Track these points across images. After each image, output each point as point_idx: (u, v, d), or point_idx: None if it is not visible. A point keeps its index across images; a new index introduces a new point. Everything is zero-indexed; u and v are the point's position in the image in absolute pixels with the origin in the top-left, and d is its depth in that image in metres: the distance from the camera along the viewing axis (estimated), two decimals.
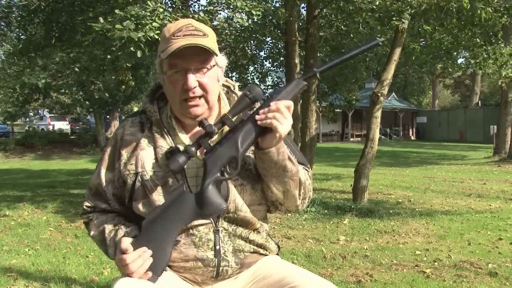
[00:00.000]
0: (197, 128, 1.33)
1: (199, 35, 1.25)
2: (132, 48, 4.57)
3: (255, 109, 1.25)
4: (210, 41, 1.27)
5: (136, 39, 4.38)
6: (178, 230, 1.24)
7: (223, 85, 1.43)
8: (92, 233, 1.39)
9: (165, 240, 1.22)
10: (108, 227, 1.35)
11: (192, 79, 1.25)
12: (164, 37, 1.28)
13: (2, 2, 8.07)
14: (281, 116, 1.19)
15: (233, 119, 1.23)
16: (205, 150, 1.24)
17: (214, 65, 1.30)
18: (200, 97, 1.28)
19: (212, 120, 1.35)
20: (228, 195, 1.28)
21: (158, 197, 1.28)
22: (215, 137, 1.26)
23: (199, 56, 1.26)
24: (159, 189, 1.28)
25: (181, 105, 1.29)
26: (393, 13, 5.64)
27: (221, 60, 1.34)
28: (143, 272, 1.20)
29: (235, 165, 1.22)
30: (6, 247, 4.60)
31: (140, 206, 1.30)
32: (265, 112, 1.20)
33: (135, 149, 1.33)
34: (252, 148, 1.28)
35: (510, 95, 15.48)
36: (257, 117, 1.21)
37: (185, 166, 1.24)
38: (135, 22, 4.43)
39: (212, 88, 1.30)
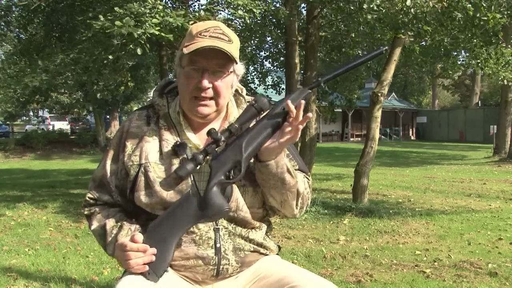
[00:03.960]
0: (203, 125, 1.36)
1: (224, 39, 1.27)
2: (132, 46, 4.58)
3: (260, 117, 1.27)
4: (233, 48, 1.28)
5: (136, 36, 4.38)
6: (182, 232, 1.25)
7: None
8: (93, 227, 1.39)
9: (168, 241, 1.23)
10: (110, 223, 1.35)
11: (207, 80, 1.27)
12: (191, 33, 1.30)
13: (2, 2, 8.07)
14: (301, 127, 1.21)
15: (239, 128, 1.25)
16: (211, 155, 1.26)
17: (231, 72, 1.32)
18: (210, 98, 1.30)
19: (218, 121, 1.38)
20: (231, 194, 1.29)
21: (160, 188, 1.29)
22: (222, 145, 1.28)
23: (219, 60, 1.27)
24: (162, 181, 1.29)
25: (190, 101, 1.31)
26: (399, 23, 5.64)
27: (239, 68, 1.35)
28: (138, 271, 1.20)
29: (239, 169, 1.23)
30: (6, 247, 4.60)
31: (142, 197, 1.30)
32: (299, 115, 1.20)
33: (140, 141, 1.35)
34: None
35: (510, 95, 15.50)
36: (297, 117, 1.20)
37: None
38: (134, 19, 4.44)
39: (225, 92, 1.32)
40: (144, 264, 1.21)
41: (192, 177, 1.29)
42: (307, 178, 1.41)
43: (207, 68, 1.27)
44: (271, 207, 1.38)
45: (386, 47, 1.35)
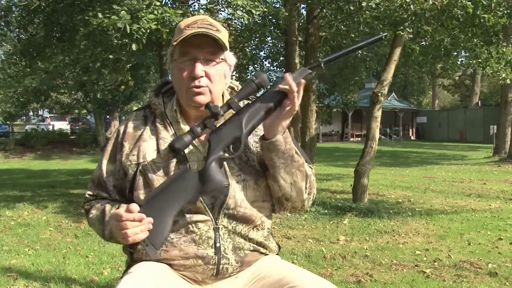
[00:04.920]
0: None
1: (212, 29, 1.30)
2: (127, 41, 4.58)
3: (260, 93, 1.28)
4: (222, 35, 1.31)
5: (130, 31, 4.39)
6: (179, 205, 1.24)
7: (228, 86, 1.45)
8: (91, 215, 1.39)
9: (165, 213, 1.22)
10: (109, 206, 1.36)
11: (200, 68, 1.29)
12: (179, 28, 1.33)
13: (2, 2, 8.07)
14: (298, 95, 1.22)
15: (238, 103, 1.25)
16: (210, 130, 1.26)
17: (223, 60, 1.34)
18: (205, 86, 1.31)
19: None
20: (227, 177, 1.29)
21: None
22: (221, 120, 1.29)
23: (210, 48, 1.30)
24: (161, 179, 1.30)
25: (187, 93, 1.32)
26: (398, 20, 5.63)
27: (230, 57, 1.37)
28: (136, 240, 1.20)
29: (238, 145, 1.24)
30: (6, 247, 4.60)
31: (141, 196, 1.31)
32: (292, 86, 1.21)
33: (138, 140, 1.36)
34: (257, 146, 1.32)
35: (510, 95, 15.49)
36: (284, 84, 1.21)
37: (186, 151, 1.28)
38: (131, 14, 4.46)
39: (218, 80, 1.33)
40: (142, 232, 1.19)
41: (185, 156, 1.30)
42: (310, 167, 1.41)
43: (198, 57, 1.29)
44: (279, 197, 1.36)
45: (386, 34, 1.36)
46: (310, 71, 1.28)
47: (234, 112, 1.26)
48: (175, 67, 1.34)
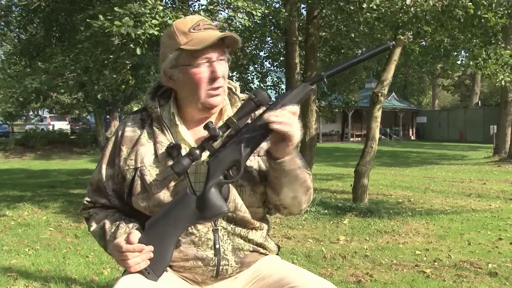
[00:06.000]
0: (199, 126, 1.34)
1: (214, 29, 1.30)
2: (132, 45, 4.57)
3: (259, 113, 1.25)
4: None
5: (134, 36, 4.38)
6: (180, 231, 1.24)
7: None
8: (92, 228, 1.39)
9: (167, 241, 1.22)
10: (108, 222, 1.35)
11: (220, 68, 1.28)
12: (182, 30, 1.28)
13: (2, 2, 8.07)
14: (293, 123, 1.18)
15: (237, 123, 1.23)
16: (208, 153, 1.24)
17: (228, 59, 1.34)
18: (222, 87, 1.31)
19: (214, 118, 1.36)
20: (229, 195, 1.28)
21: (158, 191, 1.28)
22: (219, 141, 1.27)
23: (219, 48, 1.29)
24: (159, 183, 1.29)
25: (207, 95, 1.29)
26: (398, 22, 5.62)
27: (228, 56, 1.38)
28: (137, 270, 1.21)
29: (238, 168, 1.22)
30: (6, 247, 4.60)
31: (140, 201, 1.30)
32: (278, 117, 1.17)
33: (135, 144, 1.35)
34: (256, 152, 1.29)
35: (510, 95, 15.50)
36: (271, 122, 1.17)
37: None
38: (134, 19, 4.44)
39: (227, 78, 1.34)
40: (143, 261, 1.21)
41: (187, 178, 1.29)
42: (308, 174, 1.41)
43: (214, 59, 1.28)
44: (276, 205, 1.35)
45: (393, 42, 1.30)
46: (312, 87, 1.25)
47: (233, 132, 1.23)
48: (184, 72, 1.28)
